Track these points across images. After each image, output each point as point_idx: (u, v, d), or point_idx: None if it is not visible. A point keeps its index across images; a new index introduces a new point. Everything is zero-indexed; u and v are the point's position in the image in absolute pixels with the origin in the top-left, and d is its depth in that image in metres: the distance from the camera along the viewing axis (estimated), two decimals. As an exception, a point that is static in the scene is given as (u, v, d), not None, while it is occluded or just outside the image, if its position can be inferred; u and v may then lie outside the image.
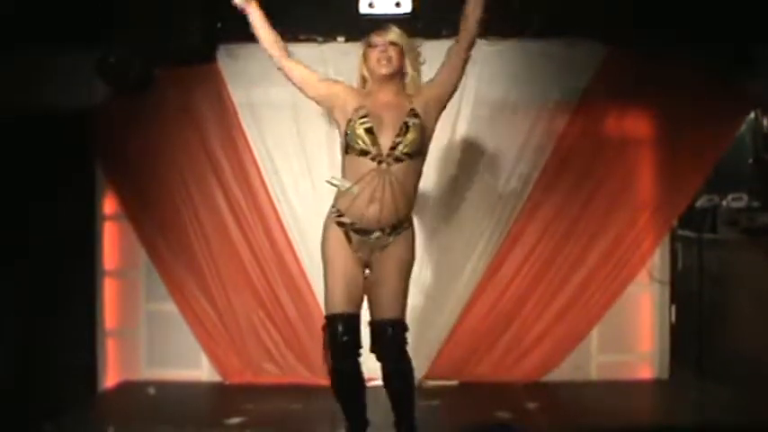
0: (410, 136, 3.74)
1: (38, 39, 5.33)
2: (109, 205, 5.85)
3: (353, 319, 3.77)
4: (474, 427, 4.61)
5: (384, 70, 3.78)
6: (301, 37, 5.60)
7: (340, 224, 3.83)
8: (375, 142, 3.72)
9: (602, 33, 5.49)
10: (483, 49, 5.57)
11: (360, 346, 3.79)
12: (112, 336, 5.84)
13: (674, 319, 5.83)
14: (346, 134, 3.79)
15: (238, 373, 5.74)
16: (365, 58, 3.86)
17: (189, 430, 4.63)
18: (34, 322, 5.72)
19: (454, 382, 5.64)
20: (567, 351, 5.72)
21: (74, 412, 4.97)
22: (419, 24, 5.52)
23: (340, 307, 3.76)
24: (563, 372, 5.72)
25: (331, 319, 3.77)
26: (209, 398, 5.61)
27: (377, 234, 3.79)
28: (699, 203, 6.20)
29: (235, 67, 5.65)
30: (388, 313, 3.78)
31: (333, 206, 3.89)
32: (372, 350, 3.82)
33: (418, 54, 3.91)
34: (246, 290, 5.71)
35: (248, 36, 5.57)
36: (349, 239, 3.81)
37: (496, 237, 5.65)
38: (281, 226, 5.68)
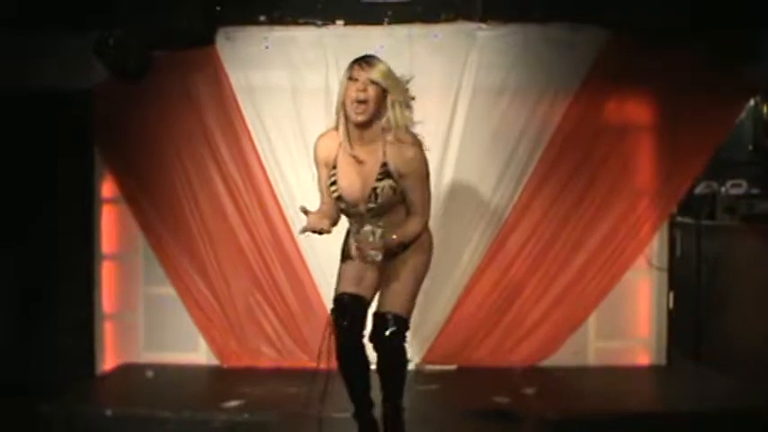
0: (381, 200, 3.74)
1: (37, 20, 5.31)
2: (107, 188, 5.83)
3: (360, 300, 3.82)
4: (472, 412, 4.63)
5: (359, 118, 3.66)
6: (300, 20, 5.60)
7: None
8: (349, 206, 3.78)
9: (603, 18, 5.48)
10: (483, 33, 5.60)
11: (364, 326, 3.82)
12: (111, 319, 5.84)
13: (671, 305, 5.82)
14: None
15: (236, 356, 5.75)
16: (345, 90, 3.68)
17: (186, 413, 4.62)
18: (33, 305, 5.73)
19: (452, 367, 5.64)
20: (565, 337, 5.72)
21: (72, 395, 4.96)
22: (418, 8, 5.53)
23: (348, 288, 3.84)
24: (561, 357, 5.72)
25: (338, 299, 3.84)
26: (206, 381, 5.60)
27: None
28: (698, 190, 6.21)
29: (233, 50, 5.63)
30: (391, 307, 3.82)
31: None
32: (370, 340, 3.84)
33: (406, 90, 3.74)
34: (244, 273, 5.72)
35: (247, 19, 5.63)
36: None
37: (495, 222, 5.65)
38: (279, 209, 5.67)
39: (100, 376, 5.70)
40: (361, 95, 3.62)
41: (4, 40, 5.44)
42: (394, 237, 3.73)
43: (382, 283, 3.88)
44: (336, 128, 3.79)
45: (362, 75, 3.64)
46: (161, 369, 5.60)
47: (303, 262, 5.67)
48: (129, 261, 5.86)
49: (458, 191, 5.59)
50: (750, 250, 5.74)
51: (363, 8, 5.56)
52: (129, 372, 5.65)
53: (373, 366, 3.94)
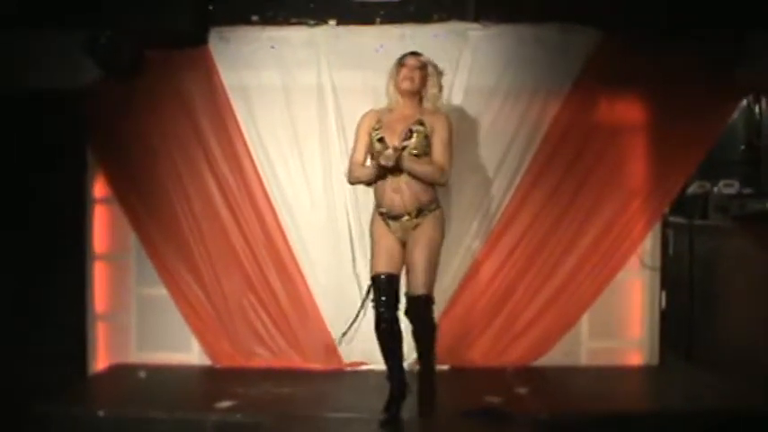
0: (414, 140, 4.52)
1: (28, 18, 5.30)
2: (99, 188, 5.81)
3: (392, 278, 4.58)
4: (465, 412, 4.63)
5: (407, 86, 4.60)
6: (293, 20, 5.60)
7: (380, 213, 4.62)
8: (386, 147, 4.49)
9: (595, 20, 5.48)
10: (475, 33, 5.60)
11: (398, 300, 4.55)
12: (103, 319, 5.82)
13: (664, 305, 5.83)
14: (370, 145, 4.64)
15: (228, 357, 5.74)
16: (396, 72, 4.63)
17: (179, 414, 4.62)
18: (24, 305, 5.72)
19: (445, 367, 5.62)
20: (558, 337, 5.73)
21: (64, 395, 4.95)
22: (411, 8, 5.53)
23: (382, 268, 4.58)
24: (553, 357, 5.73)
25: (375, 278, 4.59)
26: (199, 382, 5.59)
27: (405, 217, 4.55)
28: (690, 190, 6.22)
29: (226, 50, 5.62)
30: (417, 289, 4.51)
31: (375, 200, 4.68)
32: (406, 314, 4.53)
33: (441, 74, 4.70)
34: (237, 274, 5.70)
35: (240, 19, 5.62)
36: (387, 224, 4.60)
37: (487, 223, 5.66)
38: (272, 209, 5.66)
39: (92, 377, 5.68)
40: (409, 74, 4.60)
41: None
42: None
43: (407, 260, 4.57)
44: (388, 107, 4.69)
45: (412, 62, 4.63)
46: (153, 369, 5.59)
47: (295, 262, 5.66)
48: (121, 261, 5.84)
49: (449, 192, 5.57)
50: (742, 250, 5.75)
51: (356, 8, 5.56)
52: (121, 372, 5.64)
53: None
